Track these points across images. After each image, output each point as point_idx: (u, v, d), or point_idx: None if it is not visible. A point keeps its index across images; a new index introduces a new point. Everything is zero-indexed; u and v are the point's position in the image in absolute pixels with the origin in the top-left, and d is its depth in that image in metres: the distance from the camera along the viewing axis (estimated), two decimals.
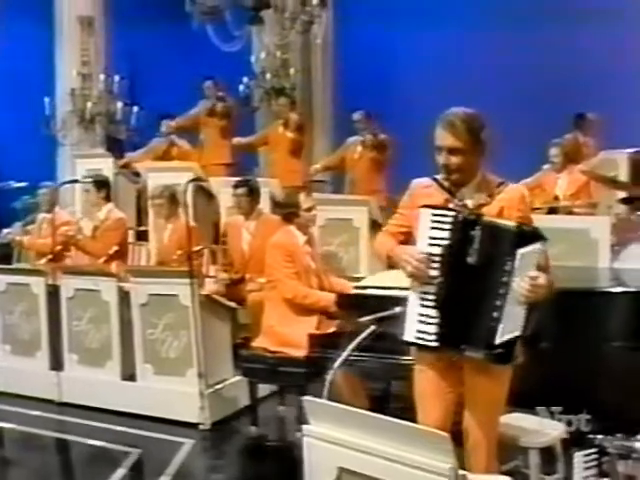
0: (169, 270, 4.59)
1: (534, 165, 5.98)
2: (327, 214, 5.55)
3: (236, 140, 7.32)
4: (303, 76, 8.61)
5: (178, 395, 4.27)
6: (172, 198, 5.20)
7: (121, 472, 3.62)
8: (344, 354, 2.32)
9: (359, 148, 6.59)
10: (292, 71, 8.35)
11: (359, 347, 3.35)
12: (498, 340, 2.33)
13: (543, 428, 2.97)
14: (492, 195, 2.54)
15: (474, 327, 2.37)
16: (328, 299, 3.98)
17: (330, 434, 2.18)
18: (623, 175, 5.91)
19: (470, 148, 2.48)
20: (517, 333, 2.36)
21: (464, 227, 2.42)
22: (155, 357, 4.41)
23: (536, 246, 2.36)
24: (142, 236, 6.55)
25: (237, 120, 7.61)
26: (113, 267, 5.22)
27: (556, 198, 5.41)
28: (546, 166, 5.72)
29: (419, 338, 2.46)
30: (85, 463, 3.90)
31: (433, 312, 2.44)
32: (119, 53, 8.51)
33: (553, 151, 5.55)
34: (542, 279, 2.34)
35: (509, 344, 2.35)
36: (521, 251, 2.32)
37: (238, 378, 4.42)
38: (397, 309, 2.48)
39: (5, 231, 5.95)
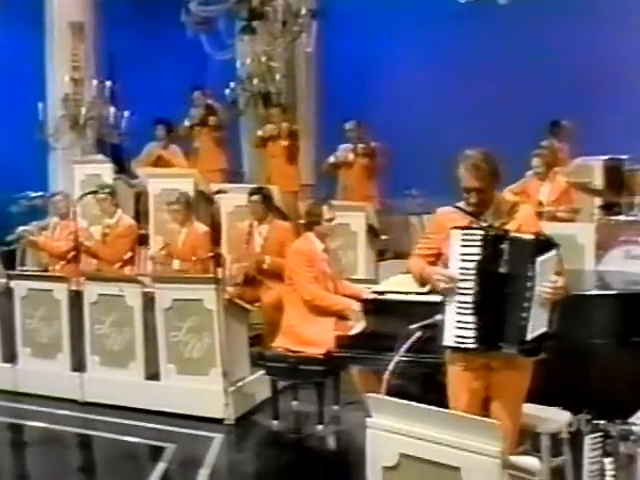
0: (194, 276, 4.87)
1: (512, 170, 6.40)
2: None
3: None
4: (287, 82, 8.90)
5: (202, 393, 4.56)
6: (187, 204, 5.49)
7: (162, 466, 3.91)
8: (396, 357, 2.65)
9: (351, 155, 6.95)
10: (278, 77, 8.63)
11: (385, 348, 3.74)
12: (529, 337, 2.73)
13: (551, 416, 3.38)
14: (510, 215, 2.95)
15: (507, 327, 2.76)
16: (343, 303, 4.34)
17: (391, 425, 2.52)
18: (598, 181, 6.41)
19: (492, 185, 2.92)
20: (544, 329, 2.77)
21: (494, 242, 2.82)
22: (178, 358, 4.68)
23: (552, 253, 2.77)
24: (141, 240, 6.79)
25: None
26: (126, 272, 5.48)
27: (540, 204, 5.84)
28: (529, 173, 6.14)
29: (458, 342, 2.84)
30: (126, 458, 4.16)
31: (470, 318, 2.81)
32: (105, 58, 8.67)
33: (535, 161, 5.93)
34: (560, 281, 2.75)
35: (538, 340, 2.75)
36: (540, 259, 2.73)
37: (255, 375, 4.75)
38: (438, 316, 2.84)
39: (21, 228, 6.14)
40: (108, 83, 8.04)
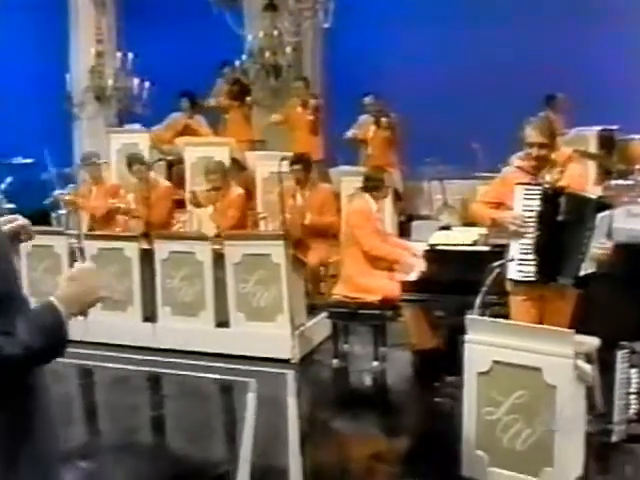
0: (264, 233, 5.48)
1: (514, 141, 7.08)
2: (354, 184, 6.53)
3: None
4: (296, 55, 9.39)
5: (270, 337, 5.19)
6: (224, 173, 6.05)
7: (252, 395, 4.54)
8: (480, 294, 3.33)
9: (372, 127, 7.55)
10: (288, 50, 9.12)
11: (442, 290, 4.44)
12: (582, 273, 3.49)
13: (583, 339, 4.14)
14: (562, 172, 3.67)
15: (565, 263, 3.52)
16: (397, 254, 5.01)
17: (485, 339, 3.22)
18: (593, 149, 7.18)
19: (552, 142, 3.64)
20: (592, 270, 3.52)
21: (553, 197, 3.55)
22: (247, 307, 5.29)
23: (608, 212, 3.51)
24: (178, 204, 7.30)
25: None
26: None
27: None
28: None
29: (521, 276, 3.57)
30: (219, 391, 4.79)
31: (532, 256, 3.54)
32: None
33: None
34: (609, 244, 3.50)
35: (586, 277, 3.52)
36: (600, 215, 3.47)
37: (312, 322, 5.42)
38: (509, 257, 3.56)
39: (57, 192, 6.62)
40: (130, 55, 8.47)
